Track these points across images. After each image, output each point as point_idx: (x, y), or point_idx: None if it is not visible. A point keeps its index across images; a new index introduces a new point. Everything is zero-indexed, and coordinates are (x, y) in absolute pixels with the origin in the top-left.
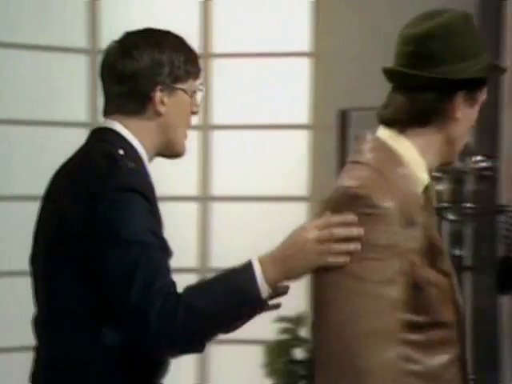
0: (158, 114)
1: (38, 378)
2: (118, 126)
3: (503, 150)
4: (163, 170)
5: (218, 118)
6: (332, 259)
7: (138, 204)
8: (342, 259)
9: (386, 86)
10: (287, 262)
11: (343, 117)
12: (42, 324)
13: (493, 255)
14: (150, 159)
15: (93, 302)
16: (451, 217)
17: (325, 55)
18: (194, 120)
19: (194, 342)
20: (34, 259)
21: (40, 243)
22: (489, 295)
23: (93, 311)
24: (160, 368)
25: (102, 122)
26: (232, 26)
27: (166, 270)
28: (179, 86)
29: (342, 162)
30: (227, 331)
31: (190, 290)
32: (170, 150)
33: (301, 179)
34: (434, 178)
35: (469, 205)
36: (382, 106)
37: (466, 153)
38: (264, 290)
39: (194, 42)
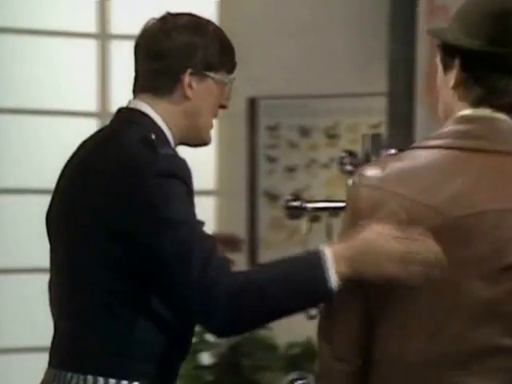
0: (186, 98)
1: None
2: (146, 108)
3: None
4: None
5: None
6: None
7: (178, 188)
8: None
9: (297, 75)
10: (365, 261)
11: (252, 105)
12: (64, 301)
13: None
14: (175, 146)
15: (124, 287)
16: None
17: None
18: None
19: (257, 320)
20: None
21: (63, 233)
22: None
23: (123, 297)
24: (187, 351)
25: (128, 101)
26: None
27: (216, 247)
28: (210, 74)
29: (251, 152)
30: (288, 314)
31: (258, 269)
32: (195, 138)
33: (207, 172)
34: (344, 171)
35: None
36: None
37: (379, 146)
38: (334, 281)
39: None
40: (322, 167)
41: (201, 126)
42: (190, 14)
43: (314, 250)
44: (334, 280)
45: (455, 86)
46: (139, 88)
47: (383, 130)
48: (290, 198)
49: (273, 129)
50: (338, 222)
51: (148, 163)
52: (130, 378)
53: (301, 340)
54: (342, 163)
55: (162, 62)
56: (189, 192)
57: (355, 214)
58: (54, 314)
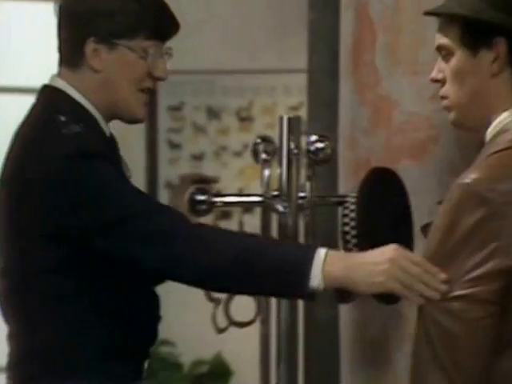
0: (94, 70)
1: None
2: (61, 84)
3: (341, 128)
4: None
5: None
6: (406, 292)
7: (99, 165)
8: (416, 299)
9: (204, 46)
10: (354, 266)
11: None
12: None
13: None
14: (108, 119)
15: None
16: (280, 208)
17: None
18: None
19: (220, 278)
20: None
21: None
22: (326, 303)
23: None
24: (144, 344)
25: (50, 77)
26: None
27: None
28: (121, 41)
29: (150, 137)
30: (250, 290)
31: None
32: (122, 113)
33: None
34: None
35: (301, 194)
36: None
37: (298, 130)
38: (315, 278)
39: None
40: (234, 155)
41: (121, 100)
42: None
43: (311, 245)
44: (317, 278)
45: (499, 72)
46: (59, 61)
47: (304, 112)
48: (195, 190)
49: (176, 109)
50: (251, 219)
51: (53, 149)
52: (85, 379)
53: (208, 357)
54: (255, 151)
55: (66, 30)
56: (111, 164)
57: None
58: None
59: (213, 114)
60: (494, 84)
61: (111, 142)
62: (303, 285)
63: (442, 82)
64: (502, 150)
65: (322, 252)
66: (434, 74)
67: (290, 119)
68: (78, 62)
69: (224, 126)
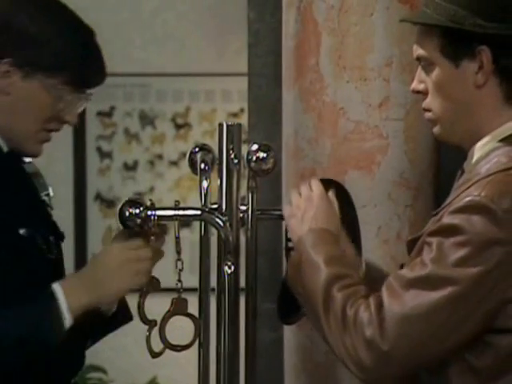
0: (1, 91)
1: None
2: None
3: (284, 136)
4: None
5: None
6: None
7: None
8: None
9: (137, 47)
10: (98, 286)
11: None
12: None
13: (273, 273)
14: (9, 149)
15: None
16: (219, 222)
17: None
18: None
19: None
20: None
21: None
22: (269, 325)
23: None
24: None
25: None
26: None
27: None
28: (38, 76)
29: (78, 145)
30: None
31: None
32: (15, 143)
33: None
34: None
35: (242, 207)
36: None
37: (238, 139)
38: (67, 321)
39: None
40: (170, 165)
41: (19, 132)
42: None
43: (47, 293)
44: (68, 319)
45: (485, 82)
46: None
47: (245, 119)
48: (128, 203)
49: (106, 115)
50: (188, 234)
51: None
52: None
53: None
54: (192, 160)
55: None
56: None
57: None
58: None
59: (146, 120)
60: (480, 95)
61: (9, 158)
62: (63, 331)
63: (423, 93)
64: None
65: (59, 292)
66: (415, 85)
67: (229, 126)
68: None
69: (159, 133)
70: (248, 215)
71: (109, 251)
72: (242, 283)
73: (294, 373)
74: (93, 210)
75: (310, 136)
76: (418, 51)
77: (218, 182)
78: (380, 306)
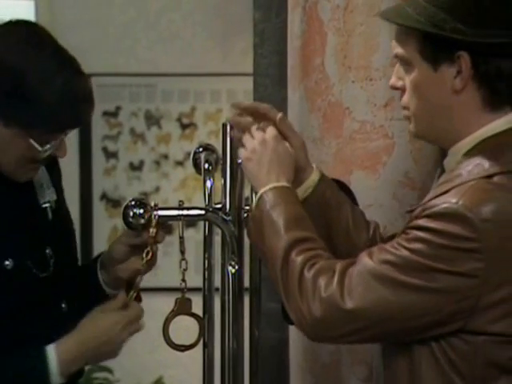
0: None
1: None
2: None
3: None
4: None
5: None
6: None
7: None
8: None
9: (143, 47)
10: (91, 352)
11: None
12: None
13: None
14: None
15: None
16: (223, 222)
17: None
18: None
19: None
20: None
21: None
22: (274, 325)
23: None
24: None
25: None
26: None
27: None
28: (16, 129)
29: (84, 145)
30: None
31: None
32: (5, 172)
33: None
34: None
35: (247, 207)
36: None
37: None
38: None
39: None
40: (175, 165)
41: (4, 166)
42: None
43: (40, 353)
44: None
45: (463, 87)
46: None
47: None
48: (132, 203)
49: (112, 115)
50: (193, 234)
51: None
52: None
53: None
54: (196, 160)
55: None
56: None
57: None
58: None
59: (152, 120)
60: (458, 100)
61: None
62: None
63: (401, 89)
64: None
65: (52, 358)
66: (393, 81)
67: (233, 127)
68: None
69: (164, 133)
70: None
71: (98, 315)
72: (246, 283)
73: (299, 373)
74: (98, 209)
75: (315, 136)
76: (397, 49)
77: (222, 181)
78: (347, 267)
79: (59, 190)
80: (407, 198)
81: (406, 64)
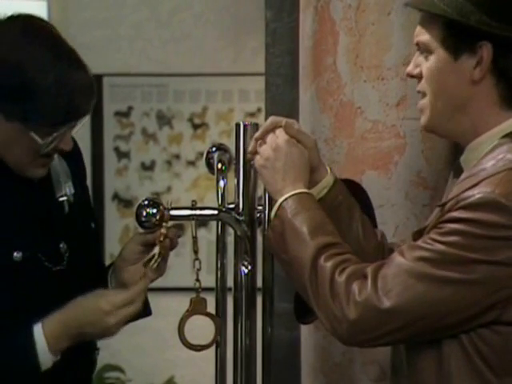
0: None
1: None
2: None
3: None
4: None
5: None
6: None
7: None
8: None
9: (155, 47)
10: (74, 330)
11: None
12: None
13: None
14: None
15: None
16: (236, 222)
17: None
18: None
19: None
20: None
21: None
22: (286, 325)
23: None
24: None
25: None
26: None
27: None
28: (17, 121)
29: (96, 145)
30: None
31: None
32: (14, 170)
33: None
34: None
35: (260, 207)
36: None
37: None
38: (46, 361)
39: None
40: (187, 165)
41: (12, 163)
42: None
43: (25, 335)
44: (47, 360)
45: (481, 79)
46: None
47: (262, 119)
48: (145, 203)
49: (123, 115)
50: (205, 234)
51: None
52: None
53: (159, 383)
54: (209, 160)
55: None
56: None
57: None
58: None
59: (164, 120)
60: (475, 91)
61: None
62: (39, 372)
63: (418, 77)
64: None
65: (39, 335)
66: (410, 69)
67: (246, 126)
68: None
69: (176, 133)
70: (265, 215)
71: (88, 301)
72: (259, 283)
73: (311, 372)
74: (110, 209)
75: (326, 135)
76: (420, 37)
77: (235, 181)
78: (378, 269)
79: (84, 188)
80: (419, 197)
81: (427, 51)
